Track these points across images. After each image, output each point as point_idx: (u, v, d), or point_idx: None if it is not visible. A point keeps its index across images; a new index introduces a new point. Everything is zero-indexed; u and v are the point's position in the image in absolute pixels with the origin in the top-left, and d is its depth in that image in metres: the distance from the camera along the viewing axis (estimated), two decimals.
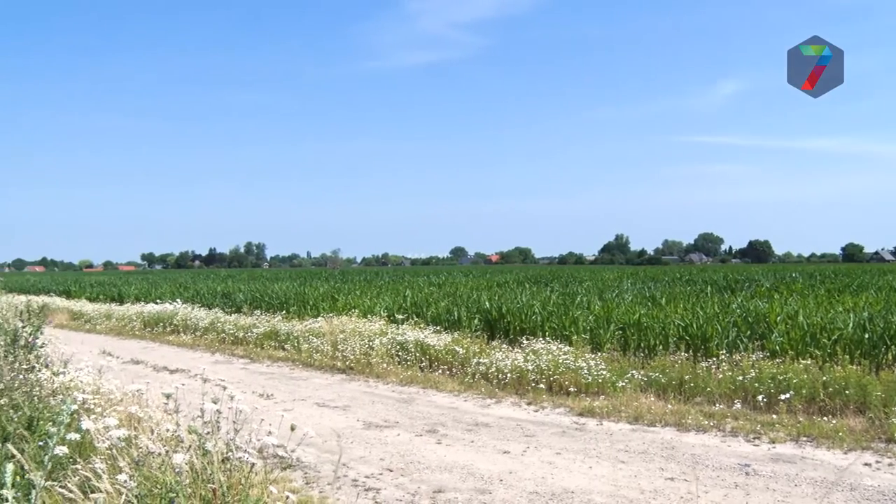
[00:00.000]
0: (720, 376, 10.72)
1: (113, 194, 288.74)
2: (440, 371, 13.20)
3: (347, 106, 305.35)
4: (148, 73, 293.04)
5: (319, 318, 18.00)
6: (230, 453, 4.43)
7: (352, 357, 14.40)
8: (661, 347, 12.75)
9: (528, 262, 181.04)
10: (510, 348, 13.62)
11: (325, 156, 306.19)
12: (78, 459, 4.48)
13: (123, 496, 3.85)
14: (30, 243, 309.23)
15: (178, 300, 25.30)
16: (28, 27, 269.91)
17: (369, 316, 17.67)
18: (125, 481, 3.93)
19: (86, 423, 4.34)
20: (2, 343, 6.67)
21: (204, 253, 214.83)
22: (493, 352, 13.30)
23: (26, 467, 3.60)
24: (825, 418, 9.05)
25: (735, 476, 7.20)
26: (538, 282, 34.14)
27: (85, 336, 22.01)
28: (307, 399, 11.52)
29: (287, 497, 4.33)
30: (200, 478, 4.19)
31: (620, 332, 14.15)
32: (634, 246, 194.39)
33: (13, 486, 2.71)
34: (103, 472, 4.09)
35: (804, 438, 8.52)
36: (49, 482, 3.78)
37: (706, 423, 9.28)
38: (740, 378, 10.39)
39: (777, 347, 11.70)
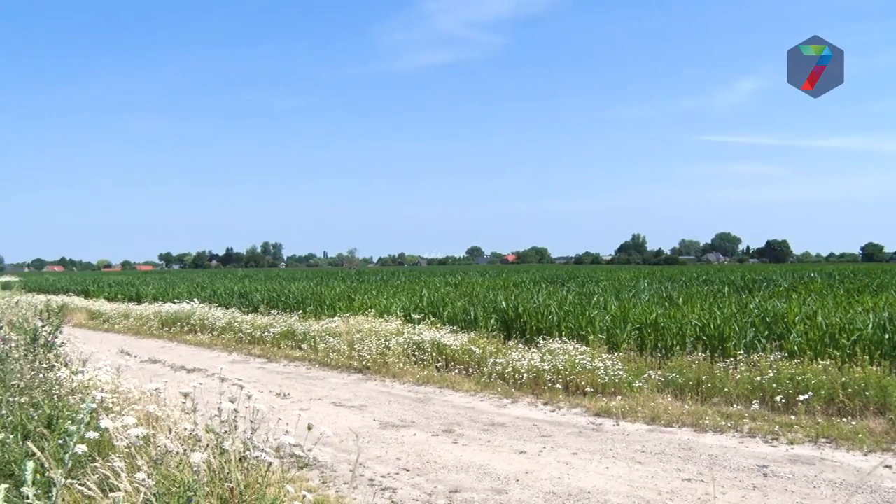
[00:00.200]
0: (738, 377, 10.65)
1: (131, 195, 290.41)
2: (456, 371, 13.19)
3: (364, 106, 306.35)
4: (166, 74, 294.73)
5: (336, 318, 18.04)
6: (247, 452, 4.44)
7: (368, 357, 14.42)
8: (678, 348, 12.69)
9: (544, 262, 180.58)
10: (526, 348, 13.60)
11: (341, 156, 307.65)
12: (97, 458, 4.51)
13: (142, 494, 3.87)
14: (49, 243, 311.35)
15: (195, 300, 25.41)
16: (47, 27, 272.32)
17: (386, 316, 17.68)
18: (143, 480, 3.96)
19: (105, 422, 4.36)
20: (22, 342, 6.72)
21: (221, 253, 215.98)
22: (509, 352, 13.28)
23: (46, 465, 3.62)
24: (844, 420, 8.97)
25: (753, 477, 7.16)
26: (554, 281, 34.07)
27: (103, 335, 22.15)
28: (324, 398, 11.54)
29: (304, 496, 4.34)
30: (218, 477, 4.21)
31: (637, 332, 14.08)
32: (651, 246, 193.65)
33: (34, 483, 2.73)
34: (122, 471, 4.11)
35: (823, 440, 8.45)
36: (68, 480, 3.81)
37: (724, 423, 9.23)
38: (758, 379, 10.32)
39: (795, 348, 11.61)
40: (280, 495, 4.37)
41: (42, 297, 31.45)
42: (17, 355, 6.50)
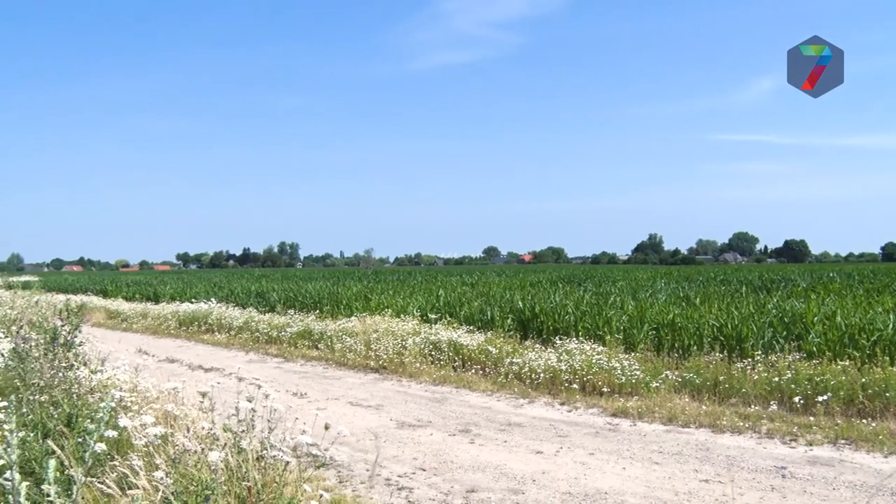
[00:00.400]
0: (756, 377, 10.59)
1: (149, 195, 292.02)
2: (473, 371, 13.19)
3: (381, 106, 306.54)
4: (183, 74, 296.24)
5: (352, 318, 18.08)
6: (265, 451, 4.46)
7: (385, 356, 14.44)
8: (695, 348, 12.63)
9: (560, 262, 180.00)
10: (543, 348, 13.58)
11: (358, 156, 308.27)
12: (115, 456, 4.54)
13: (160, 493, 3.89)
14: (68, 243, 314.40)
15: (212, 299, 25.55)
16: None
17: (402, 315, 17.70)
18: (162, 478, 3.98)
19: (123, 421, 4.39)
20: (42, 341, 6.77)
21: (238, 253, 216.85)
22: (526, 352, 13.26)
23: (66, 463, 3.65)
24: (864, 421, 8.90)
25: (771, 478, 7.11)
26: (571, 281, 34.00)
27: (121, 335, 22.30)
28: (340, 398, 11.57)
29: (321, 495, 4.35)
30: (235, 475, 4.23)
31: (654, 332, 14.04)
32: (668, 245, 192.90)
33: (54, 481, 2.75)
34: (140, 469, 4.14)
35: (842, 441, 8.38)
36: (88, 478, 3.83)
37: (741, 424, 9.17)
38: (776, 379, 10.25)
39: (814, 348, 11.52)
40: (297, 494, 4.38)
41: (61, 297, 31.77)
42: (37, 354, 6.55)
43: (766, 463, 7.62)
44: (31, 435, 4.63)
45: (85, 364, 7.25)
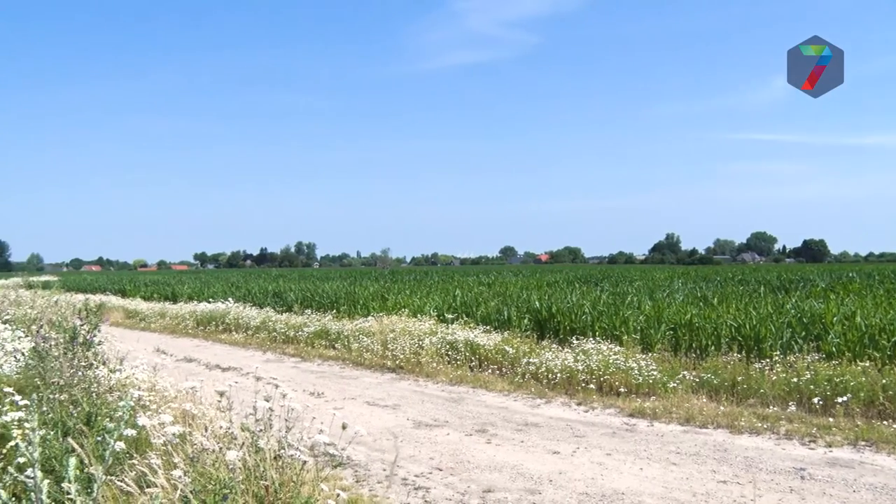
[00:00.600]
0: (774, 378, 10.52)
1: (166, 195, 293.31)
2: (490, 371, 13.18)
3: (397, 106, 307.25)
4: (201, 74, 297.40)
5: (369, 318, 18.12)
6: (282, 451, 4.47)
7: (401, 356, 14.46)
8: (712, 348, 12.58)
9: (577, 262, 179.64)
10: (560, 348, 13.56)
11: (374, 156, 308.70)
12: (134, 455, 4.58)
13: (178, 491, 3.91)
14: (86, 243, 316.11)
15: (230, 299, 25.64)
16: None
17: (419, 315, 17.71)
18: (180, 477, 4.00)
19: (142, 420, 4.42)
20: (61, 340, 6.82)
21: (255, 252, 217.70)
22: (542, 352, 13.24)
23: (86, 461, 3.68)
24: (885, 422, 8.81)
25: (790, 480, 7.06)
26: (588, 281, 33.92)
27: (140, 334, 22.45)
28: (357, 398, 11.59)
29: (338, 495, 4.36)
30: (253, 475, 4.24)
31: (671, 332, 13.99)
32: (685, 245, 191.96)
33: (75, 479, 2.77)
34: (159, 468, 4.16)
35: (863, 443, 8.31)
36: (107, 476, 3.86)
37: (760, 425, 9.12)
38: (795, 380, 10.18)
39: (833, 349, 11.44)
40: (314, 493, 4.39)
41: (80, 297, 31.92)
42: (56, 353, 6.60)
43: (785, 464, 7.57)
44: (52, 433, 4.66)
45: (104, 363, 7.31)
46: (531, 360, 12.71)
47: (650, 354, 12.69)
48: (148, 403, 6.31)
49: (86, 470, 3.59)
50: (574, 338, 13.96)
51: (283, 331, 19.25)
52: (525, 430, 9.30)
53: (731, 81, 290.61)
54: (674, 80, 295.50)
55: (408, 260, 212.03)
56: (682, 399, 10.44)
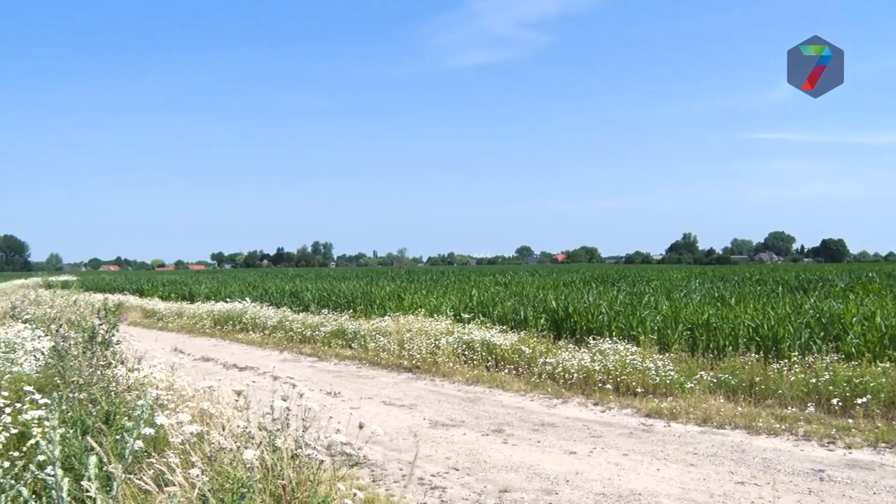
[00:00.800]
0: (792, 378, 10.44)
1: (184, 195, 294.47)
2: (506, 370, 13.17)
3: (413, 106, 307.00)
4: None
5: (386, 317, 18.13)
6: (299, 450, 4.49)
7: (418, 356, 14.47)
8: (730, 348, 12.50)
9: (594, 262, 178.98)
10: (577, 348, 13.53)
11: (391, 156, 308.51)
12: (152, 453, 4.60)
13: (196, 490, 3.93)
14: (105, 243, 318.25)
15: (247, 299, 25.76)
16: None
17: (435, 315, 17.72)
18: (198, 475, 4.02)
19: (160, 419, 4.44)
20: (80, 340, 6.87)
21: (272, 252, 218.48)
22: (559, 351, 13.22)
23: (105, 460, 3.70)
24: None
25: (809, 482, 7.01)
26: (605, 281, 33.80)
27: (157, 333, 22.58)
28: (374, 397, 11.61)
29: (354, 494, 4.37)
30: (270, 473, 4.26)
31: (689, 332, 13.92)
32: (702, 245, 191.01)
33: (94, 477, 2.79)
34: (177, 467, 4.19)
35: (883, 444, 8.23)
36: (126, 475, 3.88)
37: (778, 426, 9.05)
38: (813, 381, 10.11)
39: (853, 349, 11.34)
40: (331, 493, 4.40)
41: (99, 296, 32.20)
42: (76, 353, 6.65)
43: (804, 465, 7.51)
44: (71, 432, 4.70)
45: (122, 362, 7.35)
46: (548, 360, 12.69)
47: (667, 355, 12.64)
48: (166, 402, 6.34)
49: (105, 468, 3.61)
50: (591, 338, 13.93)
51: (299, 330, 19.31)
52: (542, 430, 9.28)
53: (748, 80, 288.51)
54: (689, 79, 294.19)
55: (424, 260, 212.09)
56: (700, 399, 10.39)
